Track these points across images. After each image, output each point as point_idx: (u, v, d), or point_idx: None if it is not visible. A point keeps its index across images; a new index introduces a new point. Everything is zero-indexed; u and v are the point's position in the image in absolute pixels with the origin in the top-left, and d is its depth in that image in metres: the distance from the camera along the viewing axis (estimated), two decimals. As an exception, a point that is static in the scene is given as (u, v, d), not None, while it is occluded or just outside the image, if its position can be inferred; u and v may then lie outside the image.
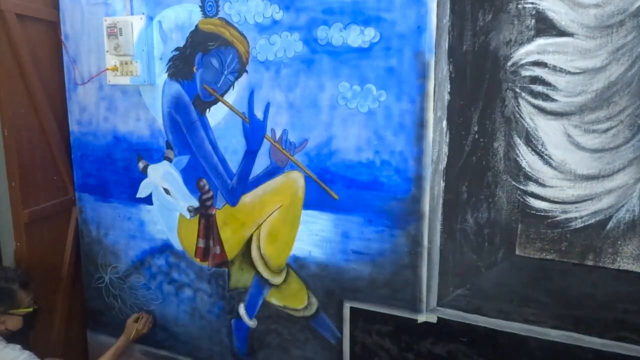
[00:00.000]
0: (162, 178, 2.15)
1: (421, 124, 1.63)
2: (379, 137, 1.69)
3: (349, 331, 1.89)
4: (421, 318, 1.75)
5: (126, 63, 2.03)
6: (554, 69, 1.43)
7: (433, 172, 1.63)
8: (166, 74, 2.04)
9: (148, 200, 2.19)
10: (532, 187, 1.52)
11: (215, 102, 1.96)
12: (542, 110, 1.47)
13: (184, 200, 2.11)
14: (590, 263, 1.50)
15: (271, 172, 1.90)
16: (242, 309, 2.08)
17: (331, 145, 1.77)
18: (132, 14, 2.04)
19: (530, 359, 1.63)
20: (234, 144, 1.96)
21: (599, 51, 1.38)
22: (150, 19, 2.01)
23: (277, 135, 1.87)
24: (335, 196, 1.80)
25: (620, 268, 1.46)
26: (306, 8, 1.73)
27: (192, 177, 2.08)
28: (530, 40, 1.45)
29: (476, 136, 1.56)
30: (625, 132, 1.39)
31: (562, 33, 1.41)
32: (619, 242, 1.45)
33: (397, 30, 1.60)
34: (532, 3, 1.42)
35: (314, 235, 1.87)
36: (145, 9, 2.02)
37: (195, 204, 2.09)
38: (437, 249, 1.67)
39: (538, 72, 1.45)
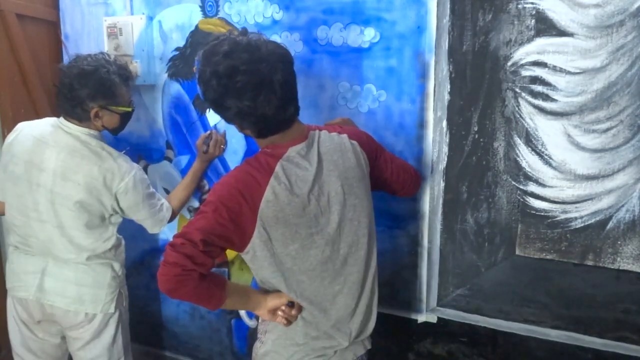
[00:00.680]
0: (162, 178, 2.15)
1: (421, 124, 1.63)
2: (379, 137, 1.68)
3: (349, 331, 1.88)
4: (421, 318, 1.75)
5: (126, 63, 2.02)
6: (554, 69, 1.43)
7: (433, 172, 1.63)
8: (166, 74, 2.04)
9: (148, 200, 2.19)
10: (532, 187, 1.52)
11: (215, 102, 1.96)
12: (542, 110, 1.47)
13: (184, 200, 2.10)
14: (590, 263, 1.50)
15: (271, 172, 1.90)
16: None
17: (331, 145, 1.77)
18: (132, 14, 2.04)
19: (530, 359, 1.63)
20: (234, 144, 1.96)
21: (599, 51, 1.38)
22: (151, 19, 2.01)
23: (277, 135, 1.86)
24: (335, 196, 1.79)
25: (620, 268, 1.46)
26: (306, 8, 1.73)
27: (192, 177, 2.07)
28: (530, 40, 1.45)
29: (476, 136, 1.56)
30: (625, 132, 1.39)
31: (562, 33, 1.41)
32: (619, 242, 1.45)
33: (397, 30, 1.60)
34: (532, 3, 1.42)
35: (314, 235, 1.86)
36: (145, 9, 2.02)
37: (195, 204, 2.09)
38: (437, 249, 1.67)
39: (538, 72, 1.45)
